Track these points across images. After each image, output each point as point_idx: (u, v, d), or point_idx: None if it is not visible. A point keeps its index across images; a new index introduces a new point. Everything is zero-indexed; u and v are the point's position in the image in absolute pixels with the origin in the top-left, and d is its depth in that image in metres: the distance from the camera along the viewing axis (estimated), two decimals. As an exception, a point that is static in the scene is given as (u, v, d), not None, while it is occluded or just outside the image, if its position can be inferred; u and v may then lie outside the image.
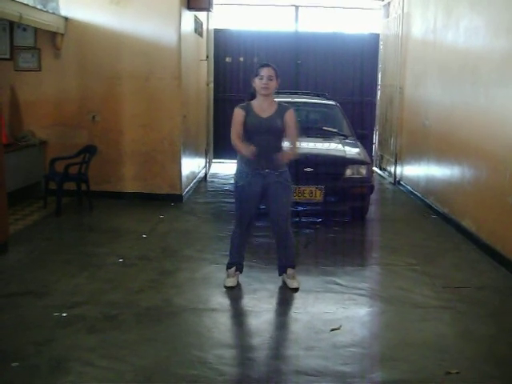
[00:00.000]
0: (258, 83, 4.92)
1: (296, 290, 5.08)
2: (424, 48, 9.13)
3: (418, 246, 6.63)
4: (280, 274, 5.25)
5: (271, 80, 4.89)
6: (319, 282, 5.38)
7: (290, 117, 4.98)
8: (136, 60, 8.14)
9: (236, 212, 5.32)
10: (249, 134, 4.97)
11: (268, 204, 5.13)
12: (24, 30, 8.10)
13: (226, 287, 5.14)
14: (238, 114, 5.03)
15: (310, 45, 12.12)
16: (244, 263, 5.47)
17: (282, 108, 5.02)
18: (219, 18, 11.86)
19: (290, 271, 5.20)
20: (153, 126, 8.29)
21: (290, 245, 5.21)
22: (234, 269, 5.24)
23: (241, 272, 5.32)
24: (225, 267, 5.30)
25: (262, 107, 4.97)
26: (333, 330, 4.34)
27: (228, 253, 5.35)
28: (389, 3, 11.56)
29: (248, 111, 4.99)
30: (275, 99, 5.10)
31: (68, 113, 8.31)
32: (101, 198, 8.08)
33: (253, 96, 5.04)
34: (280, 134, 5.00)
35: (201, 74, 10.22)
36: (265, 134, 4.92)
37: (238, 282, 5.23)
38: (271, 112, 4.96)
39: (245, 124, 4.98)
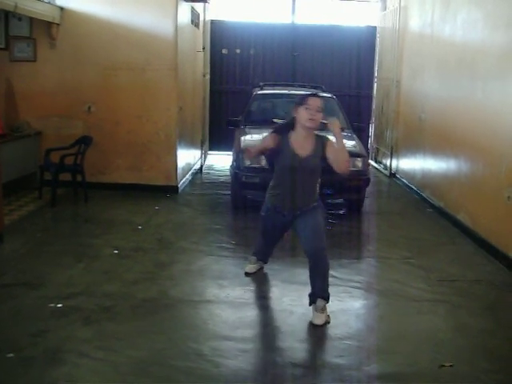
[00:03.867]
0: (303, 114, 4.36)
1: (318, 325, 4.33)
2: (421, 41, 9.12)
3: (413, 240, 6.64)
4: (310, 304, 4.47)
5: (319, 112, 4.37)
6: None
7: (331, 149, 4.43)
8: (132, 51, 8.10)
9: (260, 233, 5.21)
10: (281, 171, 4.55)
11: (298, 234, 4.66)
12: (19, 19, 8.04)
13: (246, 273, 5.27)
14: (273, 138, 4.52)
15: (307, 37, 12.09)
16: (240, 256, 5.48)
17: (320, 142, 4.48)
18: (216, 10, 11.83)
19: (319, 303, 4.41)
20: (149, 118, 8.26)
21: (325, 273, 4.46)
22: (255, 258, 5.30)
23: (264, 262, 5.34)
24: (221, 259, 5.30)
25: (300, 142, 4.45)
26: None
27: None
28: (386, -4, 11.55)
29: (284, 142, 4.48)
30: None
31: (63, 103, 8.26)
32: (96, 189, 8.06)
33: (289, 125, 4.53)
34: (318, 172, 4.53)
35: (197, 66, 10.19)
36: (300, 174, 4.46)
37: (258, 269, 5.33)
38: (309, 149, 4.45)
39: (277, 156, 4.53)
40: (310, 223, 4.48)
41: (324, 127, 4.51)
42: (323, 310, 4.38)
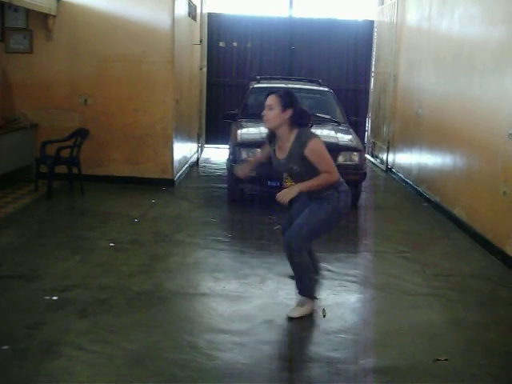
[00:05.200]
0: None
1: (290, 318, 4.32)
2: (418, 36, 9.10)
3: (409, 234, 6.66)
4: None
5: (271, 109, 4.13)
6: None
7: (310, 153, 4.08)
8: (129, 43, 8.08)
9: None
10: None
11: None
12: (15, 10, 8.00)
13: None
14: (264, 147, 4.58)
15: (305, 31, 12.08)
16: (236, 249, 5.48)
17: (299, 143, 4.11)
18: (213, 2, 11.79)
19: (300, 297, 4.42)
20: (145, 110, 8.24)
21: (295, 269, 4.35)
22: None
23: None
24: (216, 252, 5.26)
25: (279, 144, 4.27)
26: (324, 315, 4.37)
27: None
28: (384, -10, 11.53)
29: (273, 146, 4.38)
30: (297, 128, 4.17)
31: (60, 96, 8.24)
32: (92, 182, 8.05)
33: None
34: (301, 173, 4.20)
35: (194, 59, 10.17)
36: (289, 174, 4.51)
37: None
38: (286, 152, 4.20)
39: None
40: (301, 215, 4.32)
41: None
42: (302, 304, 4.36)
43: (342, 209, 4.27)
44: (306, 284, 4.40)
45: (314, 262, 4.69)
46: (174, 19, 8.04)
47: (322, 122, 8.23)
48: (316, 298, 4.47)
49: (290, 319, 4.31)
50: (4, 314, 4.19)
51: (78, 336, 3.89)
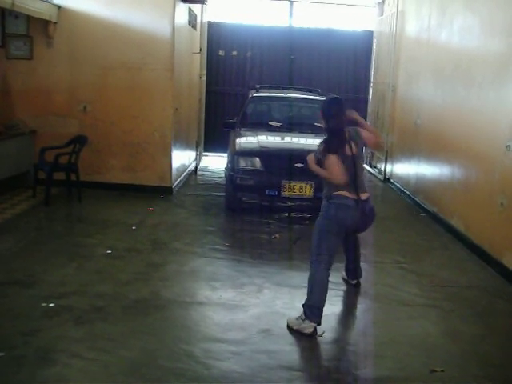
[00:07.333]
0: None
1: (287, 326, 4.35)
2: (417, 47, 9.14)
3: (406, 244, 6.66)
4: None
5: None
6: (307, 277, 5.37)
7: None
8: (129, 51, 8.10)
9: None
10: None
11: None
12: (16, 17, 8.03)
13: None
14: None
15: (304, 40, 12.12)
16: (233, 258, 5.47)
17: None
18: (213, 11, 11.83)
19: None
20: (144, 118, 8.26)
21: (308, 279, 4.52)
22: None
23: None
24: (214, 261, 5.26)
25: None
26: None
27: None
28: (383, 1, 11.57)
29: None
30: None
31: (59, 102, 8.26)
32: (90, 189, 8.05)
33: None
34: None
35: (193, 67, 10.19)
36: None
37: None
38: None
39: None
40: None
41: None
42: (303, 319, 4.30)
43: (334, 220, 4.40)
44: (311, 297, 4.38)
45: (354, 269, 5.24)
46: (174, 27, 8.07)
47: (320, 132, 8.24)
48: (314, 322, 4.30)
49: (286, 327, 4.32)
50: (0, 321, 4.18)
51: (74, 343, 3.89)
